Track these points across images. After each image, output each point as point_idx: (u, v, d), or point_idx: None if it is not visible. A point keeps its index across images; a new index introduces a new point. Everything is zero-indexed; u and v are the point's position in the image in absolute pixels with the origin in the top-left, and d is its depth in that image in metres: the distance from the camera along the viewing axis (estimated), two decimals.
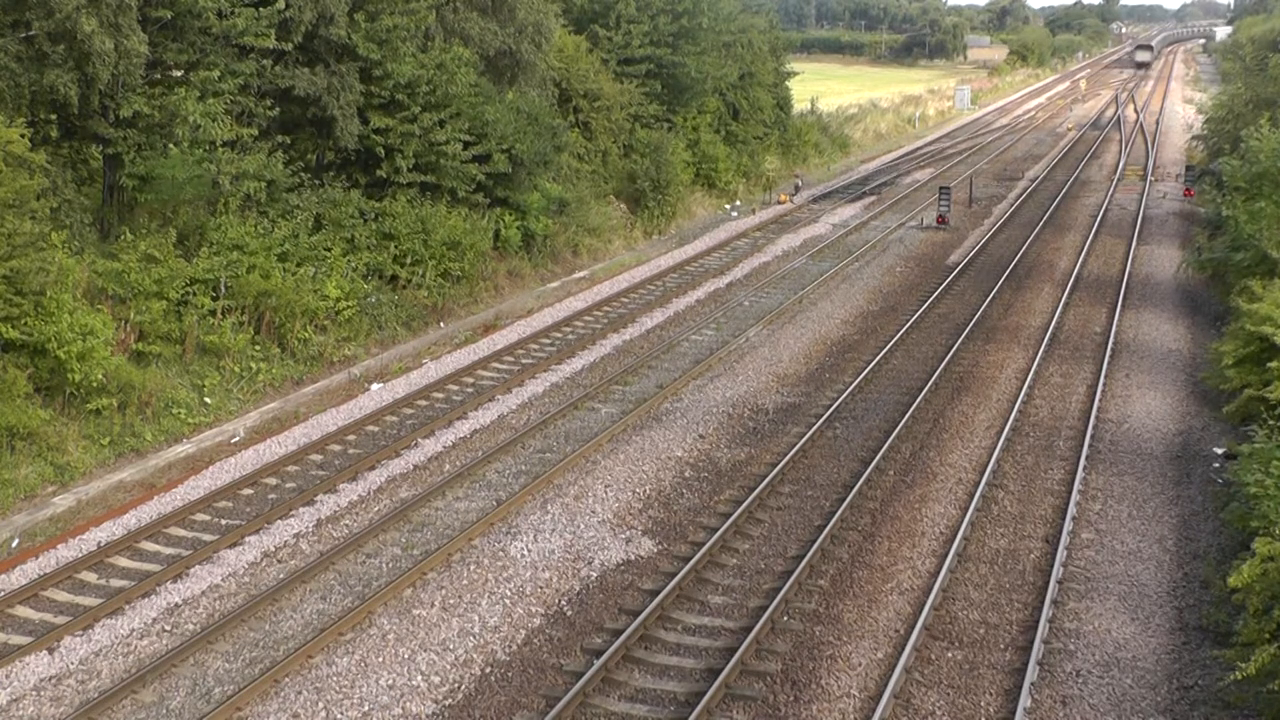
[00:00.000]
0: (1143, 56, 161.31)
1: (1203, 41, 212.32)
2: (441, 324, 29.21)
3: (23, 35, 21.99)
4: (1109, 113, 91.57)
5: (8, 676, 14.12)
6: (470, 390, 24.53)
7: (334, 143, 28.98)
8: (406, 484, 19.92)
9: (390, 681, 14.06)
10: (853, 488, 19.06)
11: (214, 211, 25.49)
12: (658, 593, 15.85)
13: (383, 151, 29.76)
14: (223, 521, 18.34)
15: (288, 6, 26.12)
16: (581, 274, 35.10)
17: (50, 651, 14.67)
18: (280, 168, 26.60)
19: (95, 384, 20.33)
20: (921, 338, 28.49)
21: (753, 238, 41.33)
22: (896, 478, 19.99)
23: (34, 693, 13.90)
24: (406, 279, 28.99)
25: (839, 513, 18.11)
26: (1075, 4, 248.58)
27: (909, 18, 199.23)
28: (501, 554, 17.25)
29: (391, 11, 29.14)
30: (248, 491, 19.41)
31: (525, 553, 17.26)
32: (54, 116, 23.04)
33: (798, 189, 50.75)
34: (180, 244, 24.24)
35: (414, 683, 14.05)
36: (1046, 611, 15.37)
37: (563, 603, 15.95)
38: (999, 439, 21.39)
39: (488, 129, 31.80)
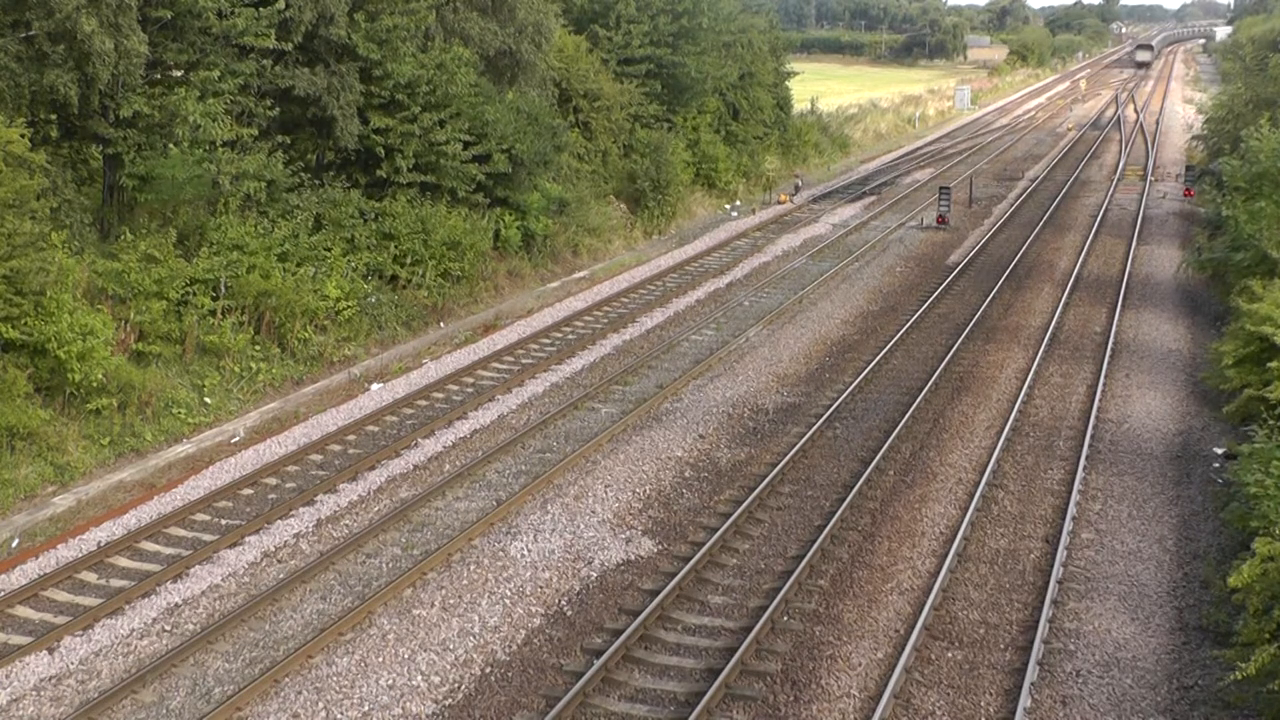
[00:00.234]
0: (1143, 56, 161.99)
1: (1203, 41, 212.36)
2: (441, 324, 29.21)
3: (23, 35, 21.99)
4: (1109, 113, 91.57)
5: (8, 676, 14.12)
6: (470, 390, 24.53)
7: (334, 143, 28.98)
8: (406, 484, 19.93)
9: (390, 681, 14.06)
10: (853, 488, 19.06)
11: (214, 211, 25.49)
12: (658, 593, 15.85)
13: (383, 151, 29.76)
14: (223, 521, 18.34)
15: (288, 6, 26.12)
16: (581, 274, 35.10)
17: (50, 651, 14.67)
18: (280, 168, 26.60)
19: (95, 384, 20.33)
20: (921, 338, 28.50)
21: (753, 238, 41.33)
22: (896, 478, 19.99)
23: (34, 693, 13.90)
24: (406, 279, 28.99)
25: (839, 513, 18.11)
26: (1075, 4, 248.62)
27: (909, 18, 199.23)
28: (501, 554, 17.25)
29: (391, 11, 29.14)
30: (248, 491, 19.41)
31: (525, 553, 17.27)
32: (54, 116, 23.04)
33: (798, 189, 50.75)
34: (180, 244, 24.24)
35: (414, 683, 14.05)
36: (1046, 611, 15.37)
37: (563, 603, 15.95)
38: (999, 439, 21.39)
39: (488, 129, 31.80)
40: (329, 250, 27.16)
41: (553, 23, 37.16)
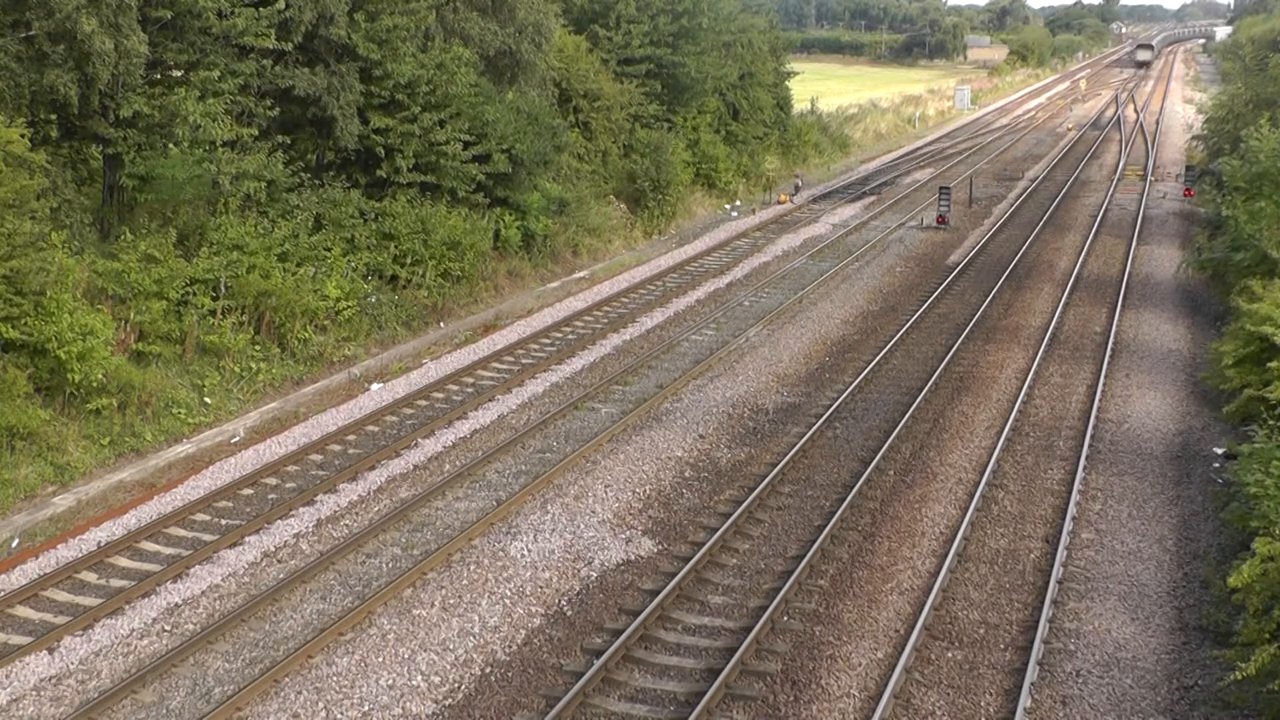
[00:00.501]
0: (1143, 55, 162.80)
1: (1202, 41, 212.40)
2: (441, 324, 29.21)
3: (23, 35, 21.99)
4: (1109, 113, 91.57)
5: (8, 676, 14.12)
6: (470, 390, 24.53)
7: (334, 143, 28.98)
8: (406, 484, 19.92)
9: (390, 681, 14.06)
10: (853, 488, 19.06)
11: (214, 211, 25.49)
12: (658, 593, 15.85)
13: (383, 151, 29.76)
14: (223, 521, 18.34)
15: (288, 6, 26.12)
16: (581, 274, 35.10)
17: (50, 651, 14.67)
18: (280, 168, 26.60)
19: (95, 384, 20.33)
20: (921, 338, 28.50)
21: (753, 238, 41.33)
22: (896, 478, 19.99)
23: (34, 693, 13.90)
24: (406, 279, 28.99)
25: (839, 513, 18.11)
26: (1075, 4, 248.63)
27: (909, 18, 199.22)
28: (501, 554, 17.25)
29: (391, 11, 29.15)
30: (248, 491, 19.41)
31: (525, 553, 17.27)
32: (54, 116, 23.03)
33: (798, 189, 50.75)
34: (180, 244, 24.24)
35: (414, 683, 14.05)
36: (1046, 611, 15.37)
37: (563, 603, 15.95)
38: (999, 439, 21.39)
39: (488, 129, 31.80)
40: (329, 250, 27.16)
41: (553, 23, 37.17)
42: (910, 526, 18.15)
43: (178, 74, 25.31)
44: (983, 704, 13.62)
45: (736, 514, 18.06)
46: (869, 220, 44.33)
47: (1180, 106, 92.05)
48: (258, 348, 24.50)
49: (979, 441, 21.63)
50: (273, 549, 17.49)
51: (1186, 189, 49.22)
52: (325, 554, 17.08)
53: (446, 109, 30.82)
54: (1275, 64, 44.13)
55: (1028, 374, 25.22)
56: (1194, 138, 56.94)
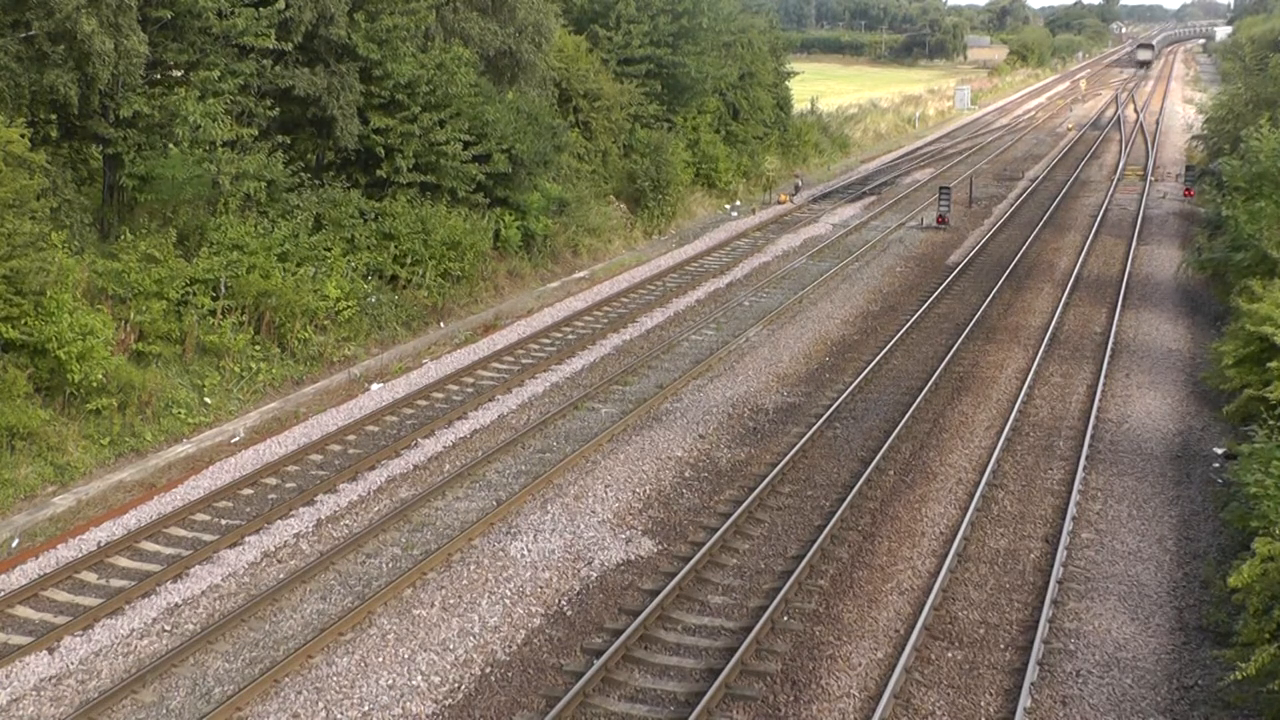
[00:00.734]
0: (1144, 55, 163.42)
1: (1202, 41, 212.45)
2: (441, 324, 29.21)
3: (23, 35, 21.99)
4: (1109, 113, 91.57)
5: (8, 676, 14.12)
6: (470, 390, 24.53)
7: (334, 143, 28.98)
8: (406, 484, 19.92)
9: (390, 681, 14.06)
10: (853, 488, 19.06)
11: (214, 211, 25.49)
12: (658, 593, 15.85)
13: (383, 151, 29.76)
14: (223, 521, 18.34)
15: (288, 6, 26.12)
16: (581, 274, 35.10)
17: (50, 651, 14.67)
18: (280, 168, 26.60)
19: (95, 384, 20.32)
20: (921, 338, 28.50)
21: (753, 238, 41.34)
22: (896, 478, 19.99)
23: (34, 693, 13.90)
24: (406, 279, 28.99)
25: (839, 513, 18.11)
26: (1075, 4, 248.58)
27: (909, 18, 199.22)
28: (501, 554, 17.25)
29: (391, 11, 29.14)
30: (248, 491, 19.41)
31: (525, 553, 17.27)
32: (54, 116, 23.03)
33: (798, 189, 50.75)
34: (180, 244, 24.25)
35: (414, 683, 14.05)
36: (1046, 611, 15.37)
37: (563, 603, 15.95)
38: (999, 439, 21.39)
39: (488, 129, 31.80)
40: (329, 250, 27.16)
41: (553, 23, 37.17)
42: (910, 526, 18.15)
43: (178, 74, 25.32)
44: (983, 704, 13.62)
45: (736, 514, 18.06)
46: (869, 220, 44.33)
47: (1180, 106, 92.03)
48: (258, 348, 24.50)
49: (979, 441, 21.63)
50: (273, 549, 17.49)
51: (1186, 189, 49.22)
52: (325, 554, 17.08)
53: (446, 109, 30.83)
54: (1275, 64, 44.09)
55: (1028, 374, 25.22)
56: (1194, 138, 56.92)
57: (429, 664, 14.42)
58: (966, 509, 18.49)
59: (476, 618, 15.49)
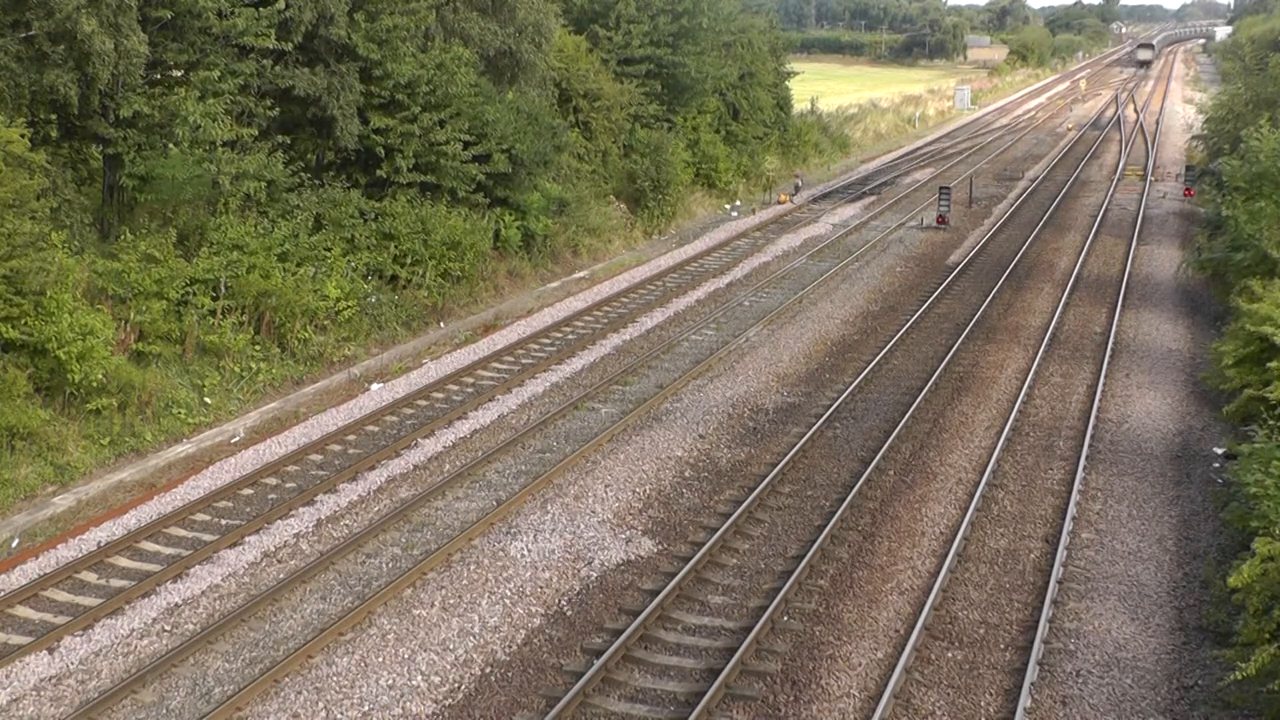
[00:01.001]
0: (1144, 55, 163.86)
1: (1202, 41, 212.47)
2: (441, 324, 29.22)
3: (23, 35, 21.99)
4: (1109, 113, 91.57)
5: (8, 676, 14.12)
6: (470, 390, 24.53)
7: (334, 143, 28.98)
8: (406, 484, 19.92)
9: (390, 681, 14.07)
10: (853, 488, 19.06)
11: (214, 211, 25.49)
12: (658, 593, 15.85)
13: (383, 151, 29.76)
14: (223, 521, 18.34)
15: (288, 6, 26.12)
16: (581, 274, 35.10)
17: (50, 651, 14.67)
18: (280, 168, 26.60)
19: (95, 384, 20.32)
20: (921, 338, 28.50)
21: (753, 238, 41.34)
22: (896, 478, 19.99)
23: (34, 693, 13.90)
24: (406, 279, 28.99)
25: (839, 513, 18.11)
26: (1075, 4, 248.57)
27: (909, 18, 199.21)
28: (501, 554, 17.25)
29: (391, 11, 29.14)
30: (248, 491, 19.41)
31: (525, 553, 17.27)
32: (54, 116, 23.03)
33: (798, 189, 50.75)
34: (180, 244, 24.25)
35: (414, 683, 14.05)
36: (1046, 611, 15.37)
37: (563, 603, 15.95)
38: (999, 439, 21.39)
39: (488, 129, 31.81)
40: (329, 250, 27.16)
41: (553, 23, 37.17)
42: (910, 526, 18.15)
43: (178, 74, 25.32)
44: (983, 704, 13.62)
45: (736, 514, 18.06)
46: (869, 220, 44.32)
47: (1180, 106, 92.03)
48: (258, 348, 24.50)
49: (979, 441, 21.63)
50: (273, 549, 17.49)
51: (1186, 189, 49.22)
52: (325, 554, 17.08)
53: (446, 109, 30.83)
54: (1275, 64, 44.10)
55: (1028, 374, 25.22)
56: (1194, 138, 56.92)
57: (429, 664, 14.42)
58: (966, 509, 18.49)
59: (476, 618, 15.49)
